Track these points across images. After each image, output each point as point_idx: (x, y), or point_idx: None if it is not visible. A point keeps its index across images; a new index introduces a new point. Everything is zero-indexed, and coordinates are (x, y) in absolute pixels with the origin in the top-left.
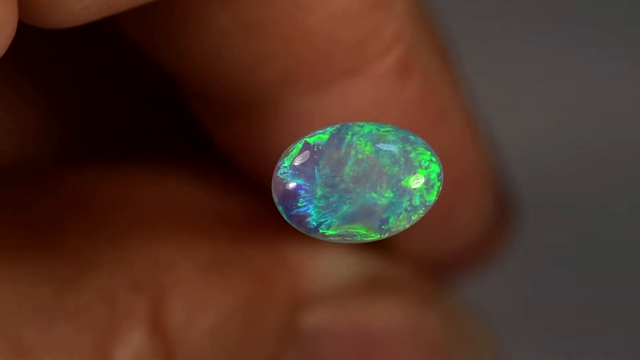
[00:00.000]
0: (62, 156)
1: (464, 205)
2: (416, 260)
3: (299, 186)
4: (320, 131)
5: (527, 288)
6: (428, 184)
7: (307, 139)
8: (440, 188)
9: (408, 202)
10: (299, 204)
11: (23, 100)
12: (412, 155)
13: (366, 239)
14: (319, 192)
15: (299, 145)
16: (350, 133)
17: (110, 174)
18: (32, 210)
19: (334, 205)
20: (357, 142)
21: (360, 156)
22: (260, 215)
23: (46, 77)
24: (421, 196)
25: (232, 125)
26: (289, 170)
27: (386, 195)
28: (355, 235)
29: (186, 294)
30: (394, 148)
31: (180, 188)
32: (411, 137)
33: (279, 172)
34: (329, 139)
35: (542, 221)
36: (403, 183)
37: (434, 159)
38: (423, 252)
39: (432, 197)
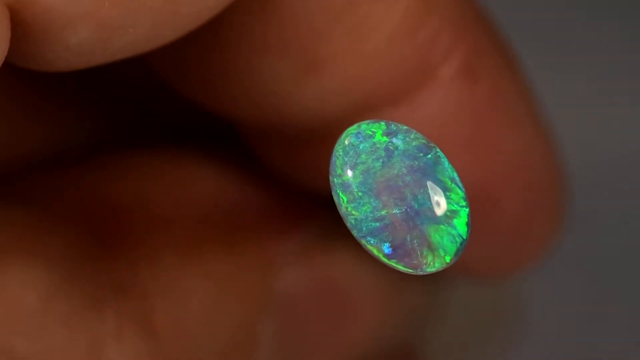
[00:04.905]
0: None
1: (537, 214)
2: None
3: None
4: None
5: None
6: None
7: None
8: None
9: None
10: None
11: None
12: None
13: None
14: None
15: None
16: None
17: (85, 172)
18: (13, 216)
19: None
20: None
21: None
22: (234, 200)
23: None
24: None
25: (293, 153)
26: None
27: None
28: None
29: (170, 288)
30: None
31: (153, 179)
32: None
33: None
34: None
35: None
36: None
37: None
38: (491, 270)
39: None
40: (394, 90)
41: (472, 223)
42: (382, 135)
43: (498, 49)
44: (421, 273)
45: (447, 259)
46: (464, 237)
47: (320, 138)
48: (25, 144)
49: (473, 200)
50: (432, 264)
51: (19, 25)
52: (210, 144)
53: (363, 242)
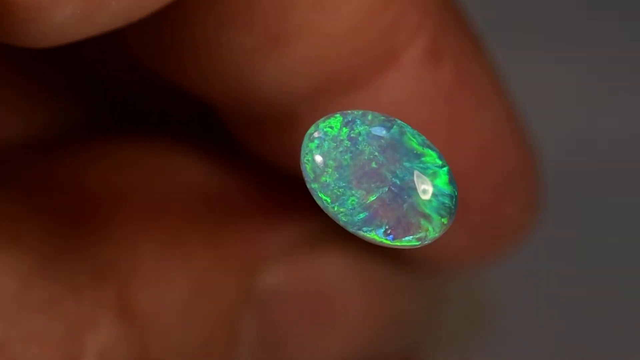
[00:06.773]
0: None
1: (510, 199)
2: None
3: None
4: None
5: (529, 284)
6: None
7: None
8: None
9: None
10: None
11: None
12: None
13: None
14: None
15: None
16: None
17: (65, 157)
18: None
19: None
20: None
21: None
22: (221, 191)
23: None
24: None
25: (264, 134)
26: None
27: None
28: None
29: (149, 276)
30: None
31: (135, 167)
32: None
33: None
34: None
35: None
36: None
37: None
38: (464, 256)
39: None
40: (357, 73)
41: None
42: (341, 126)
43: (462, 30)
44: (427, 242)
45: (445, 220)
46: (453, 193)
47: (286, 120)
48: (3, 130)
49: None
50: (433, 231)
51: (4, 6)
52: (198, 134)
53: (360, 234)
